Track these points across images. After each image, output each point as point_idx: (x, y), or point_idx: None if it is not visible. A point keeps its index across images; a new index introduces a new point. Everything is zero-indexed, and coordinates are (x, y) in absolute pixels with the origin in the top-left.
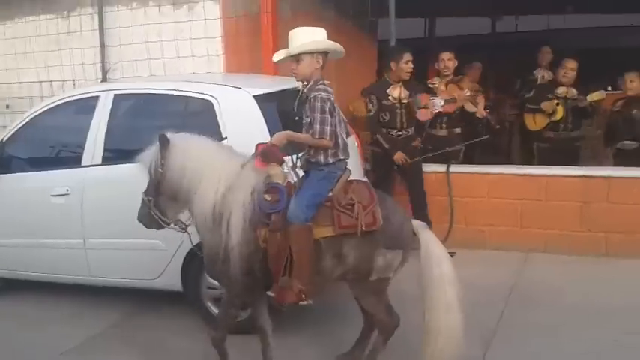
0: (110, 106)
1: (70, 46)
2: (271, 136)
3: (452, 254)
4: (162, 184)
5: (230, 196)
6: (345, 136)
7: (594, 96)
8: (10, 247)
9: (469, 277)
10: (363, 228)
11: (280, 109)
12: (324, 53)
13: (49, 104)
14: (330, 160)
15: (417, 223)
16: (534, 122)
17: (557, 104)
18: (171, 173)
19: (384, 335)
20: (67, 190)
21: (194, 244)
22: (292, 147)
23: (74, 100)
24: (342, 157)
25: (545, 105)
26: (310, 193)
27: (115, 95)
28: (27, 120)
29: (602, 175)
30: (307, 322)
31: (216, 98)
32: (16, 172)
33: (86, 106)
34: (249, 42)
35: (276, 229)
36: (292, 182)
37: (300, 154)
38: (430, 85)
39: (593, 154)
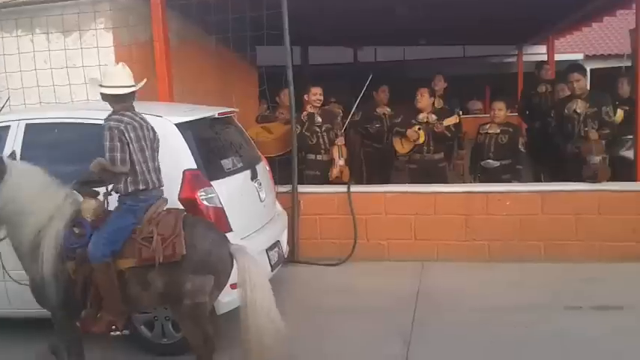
0: (22, 136)
1: None
2: (196, 162)
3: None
4: None
5: (48, 228)
6: (152, 164)
7: (448, 121)
8: None
9: (377, 286)
10: (161, 260)
11: (201, 137)
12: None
13: None
14: (130, 189)
15: (234, 248)
16: (402, 146)
17: (419, 129)
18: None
19: None
20: None
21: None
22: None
23: None
24: (142, 187)
25: (410, 133)
26: (110, 230)
27: (27, 125)
28: None
29: (482, 191)
30: None
31: None
32: None
33: None
34: (141, 69)
35: (80, 262)
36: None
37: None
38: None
39: (459, 173)
